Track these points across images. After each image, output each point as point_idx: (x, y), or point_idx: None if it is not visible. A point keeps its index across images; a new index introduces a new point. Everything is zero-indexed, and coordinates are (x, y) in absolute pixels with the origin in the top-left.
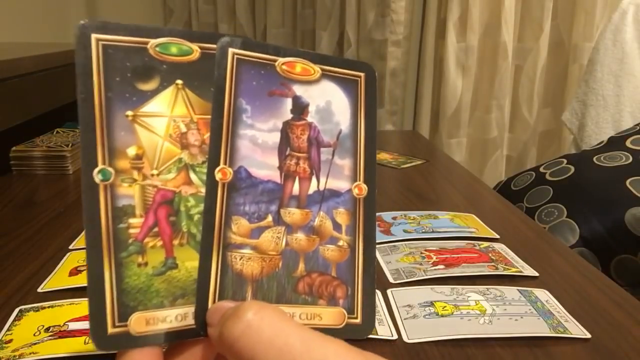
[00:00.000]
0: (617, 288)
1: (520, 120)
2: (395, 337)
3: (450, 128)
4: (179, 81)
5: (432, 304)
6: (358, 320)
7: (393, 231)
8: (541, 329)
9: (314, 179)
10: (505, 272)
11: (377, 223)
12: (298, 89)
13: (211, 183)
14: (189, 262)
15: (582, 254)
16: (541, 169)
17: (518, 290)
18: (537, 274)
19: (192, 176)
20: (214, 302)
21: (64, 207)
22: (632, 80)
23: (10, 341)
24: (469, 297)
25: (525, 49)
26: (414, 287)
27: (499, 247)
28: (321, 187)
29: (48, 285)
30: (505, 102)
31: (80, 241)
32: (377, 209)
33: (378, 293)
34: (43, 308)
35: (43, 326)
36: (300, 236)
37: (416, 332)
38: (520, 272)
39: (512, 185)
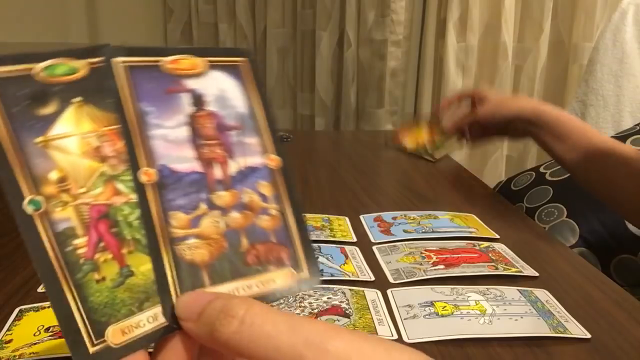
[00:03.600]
0: (617, 288)
1: None
2: (396, 337)
3: None
4: (77, 99)
5: (432, 304)
6: (306, 274)
7: (393, 231)
8: (541, 329)
9: (231, 161)
10: (505, 272)
11: (376, 223)
12: (191, 83)
13: (139, 187)
14: (142, 266)
15: (582, 254)
16: (541, 169)
17: (518, 290)
18: (537, 274)
19: (119, 186)
20: (176, 295)
21: None
22: (632, 80)
23: (10, 341)
24: (469, 297)
25: (525, 49)
26: (414, 287)
27: (499, 247)
28: (240, 167)
29: None
30: None
31: None
32: (377, 209)
33: (378, 292)
34: (43, 308)
35: (43, 326)
36: (235, 215)
37: (416, 332)
38: (520, 272)
39: (512, 185)
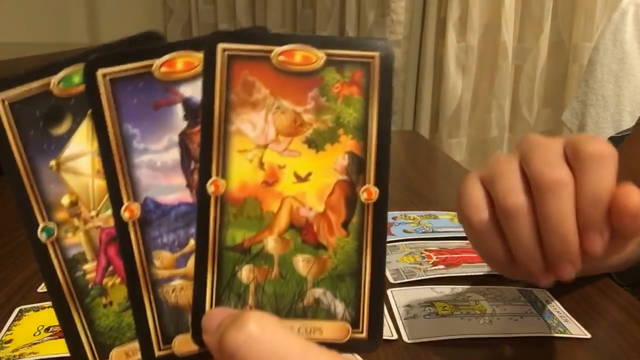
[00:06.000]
0: (617, 288)
1: (520, 120)
2: (395, 337)
3: (450, 128)
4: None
5: (432, 304)
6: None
7: (393, 231)
8: (541, 329)
9: None
10: None
11: None
12: (185, 89)
13: (120, 224)
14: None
15: None
16: None
17: (518, 290)
18: None
19: None
20: (157, 339)
21: None
22: (632, 80)
23: (10, 341)
24: (469, 297)
25: (525, 49)
26: (414, 287)
27: None
28: None
29: None
30: (505, 102)
31: None
32: None
33: None
34: (43, 308)
35: (43, 326)
36: None
37: (416, 332)
38: None
39: None
